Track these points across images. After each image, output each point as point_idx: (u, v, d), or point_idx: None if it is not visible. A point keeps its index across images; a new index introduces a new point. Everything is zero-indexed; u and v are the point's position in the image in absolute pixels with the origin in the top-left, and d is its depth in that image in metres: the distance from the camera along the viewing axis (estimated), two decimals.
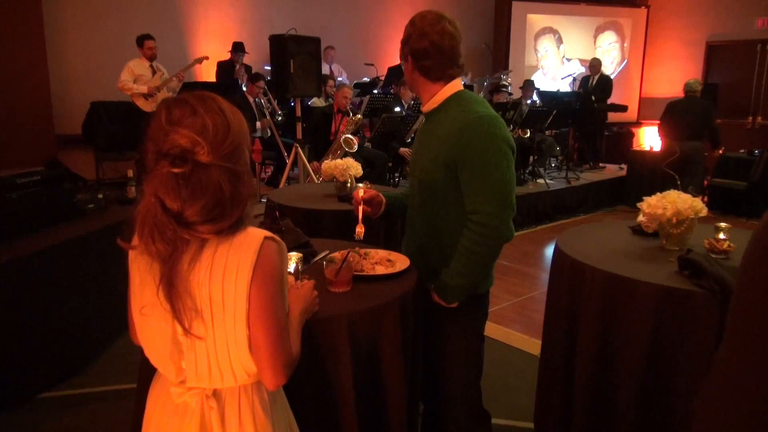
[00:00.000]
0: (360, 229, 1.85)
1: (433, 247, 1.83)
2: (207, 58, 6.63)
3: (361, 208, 1.88)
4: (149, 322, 1.13)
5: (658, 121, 6.83)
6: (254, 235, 1.10)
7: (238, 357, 1.11)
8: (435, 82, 1.77)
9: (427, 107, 1.82)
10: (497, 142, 1.66)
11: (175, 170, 1.03)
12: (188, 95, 1.09)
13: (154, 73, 6.21)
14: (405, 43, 1.77)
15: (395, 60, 8.17)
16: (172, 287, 1.07)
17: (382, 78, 7.97)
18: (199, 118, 1.05)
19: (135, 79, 6.10)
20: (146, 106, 6.14)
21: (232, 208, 1.08)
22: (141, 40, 6.14)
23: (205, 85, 6.80)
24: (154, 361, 1.18)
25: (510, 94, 7.93)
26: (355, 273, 1.73)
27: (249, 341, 1.10)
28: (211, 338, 1.10)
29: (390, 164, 6.17)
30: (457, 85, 1.78)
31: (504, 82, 8.10)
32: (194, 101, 1.07)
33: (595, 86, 8.29)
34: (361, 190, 1.92)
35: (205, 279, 1.08)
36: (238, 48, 7.14)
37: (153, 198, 1.05)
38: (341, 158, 3.17)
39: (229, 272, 1.07)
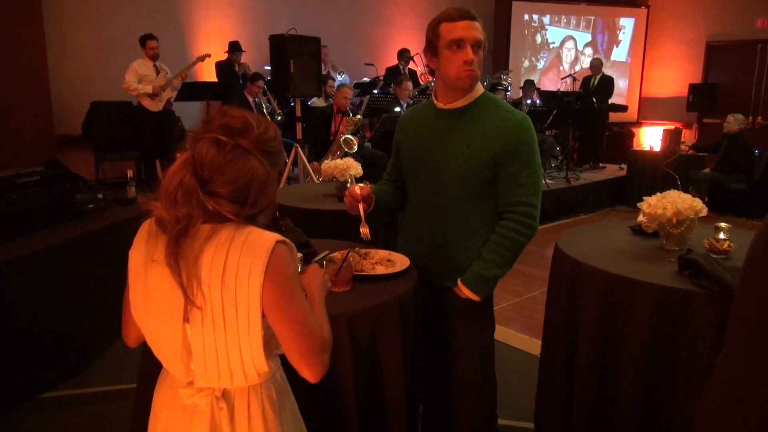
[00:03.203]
0: (365, 229, 1.82)
1: (460, 244, 1.82)
2: (209, 55, 6.65)
3: (361, 206, 1.85)
4: (158, 324, 1.14)
5: (660, 121, 6.83)
6: (266, 238, 1.10)
7: (250, 358, 1.11)
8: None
9: (458, 103, 1.81)
10: (536, 142, 1.81)
11: (220, 137, 1.09)
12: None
13: (158, 72, 6.25)
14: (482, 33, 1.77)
15: (395, 60, 8.17)
16: (179, 249, 1.08)
17: (382, 78, 7.97)
18: (257, 116, 1.16)
19: (139, 79, 6.14)
20: (152, 105, 6.23)
21: (254, 201, 1.11)
22: (143, 40, 6.17)
23: (206, 85, 6.80)
24: (164, 362, 1.18)
25: (507, 92, 7.92)
26: (355, 273, 1.73)
27: (264, 342, 1.11)
28: (222, 339, 1.10)
29: None
30: (481, 85, 1.85)
31: (504, 82, 8.09)
32: (254, 114, 1.18)
33: (596, 86, 8.29)
34: (357, 187, 1.88)
35: (217, 281, 1.07)
36: (234, 47, 7.12)
37: (188, 162, 1.10)
38: (341, 158, 3.17)
39: (242, 274, 1.07)
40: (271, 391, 1.19)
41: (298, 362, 1.10)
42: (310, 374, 1.11)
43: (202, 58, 6.54)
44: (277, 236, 1.11)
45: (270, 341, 1.15)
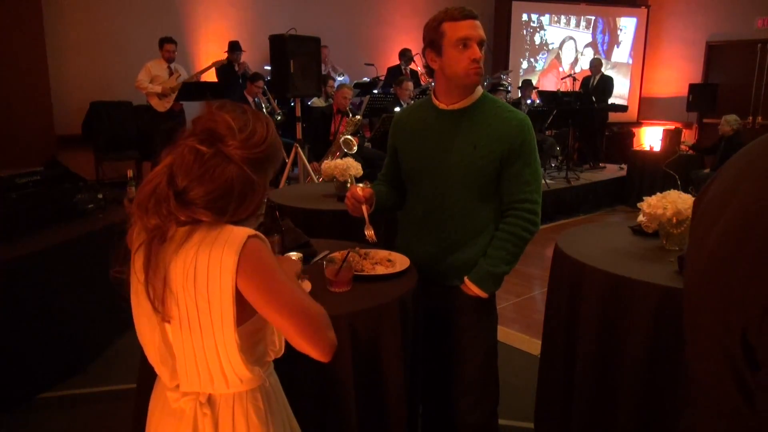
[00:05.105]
0: (371, 232, 1.81)
1: (468, 242, 1.83)
2: (225, 60, 6.83)
3: (365, 208, 1.83)
4: (143, 327, 1.14)
5: (660, 121, 6.83)
6: (237, 234, 1.06)
7: (228, 362, 1.09)
8: None
9: (461, 104, 1.81)
10: (535, 140, 1.85)
11: (199, 146, 1.05)
12: (246, 106, 1.14)
13: (171, 74, 6.42)
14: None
15: (395, 60, 8.17)
16: (152, 258, 1.05)
17: (382, 78, 7.97)
18: (245, 117, 1.09)
19: (152, 79, 6.31)
20: (159, 105, 6.38)
21: (234, 211, 1.07)
22: (161, 43, 6.35)
23: (206, 85, 6.80)
24: (153, 365, 1.18)
25: (508, 92, 7.92)
26: (355, 273, 1.73)
27: (246, 348, 1.09)
28: (200, 342, 1.09)
29: None
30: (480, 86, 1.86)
31: (504, 82, 8.09)
32: (249, 109, 1.12)
33: (595, 86, 8.29)
34: (359, 188, 1.87)
35: (190, 284, 1.05)
36: (234, 47, 7.13)
37: (166, 168, 1.06)
38: (341, 159, 3.17)
39: (213, 274, 1.04)
40: (258, 400, 1.16)
41: (304, 346, 1.05)
42: (320, 354, 1.05)
43: (218, 63, 6.68)
44: (249, 231, 1.07)
45: (254, 348, 1.14)
